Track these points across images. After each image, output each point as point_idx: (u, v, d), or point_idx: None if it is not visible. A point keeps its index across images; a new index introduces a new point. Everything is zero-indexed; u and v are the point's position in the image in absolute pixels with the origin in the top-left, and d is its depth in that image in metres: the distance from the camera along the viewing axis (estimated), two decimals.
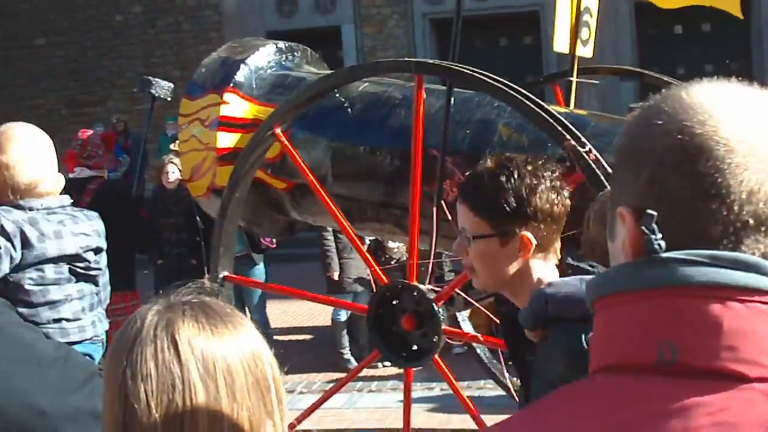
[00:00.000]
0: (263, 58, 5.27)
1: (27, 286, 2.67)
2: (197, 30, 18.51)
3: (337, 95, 4.86)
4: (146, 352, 1.28)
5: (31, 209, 2.71)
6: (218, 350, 1.30)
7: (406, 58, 4.20)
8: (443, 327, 4.02)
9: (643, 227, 0.96)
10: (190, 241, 8.08)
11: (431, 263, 4.22)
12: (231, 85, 5.11)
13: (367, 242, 7.92)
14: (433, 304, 3.99)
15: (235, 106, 5.10)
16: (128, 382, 1.27)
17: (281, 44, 5.46)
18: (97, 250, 2.93)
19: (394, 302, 4.07)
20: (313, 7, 17.97)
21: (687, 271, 0.93)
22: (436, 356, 4.13)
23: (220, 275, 4.59)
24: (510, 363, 2.55)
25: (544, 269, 2.35)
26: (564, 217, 2.34)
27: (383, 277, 4.27)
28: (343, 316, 8.68)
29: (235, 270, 7.75)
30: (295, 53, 5.45)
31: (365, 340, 8.56)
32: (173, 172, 7.94)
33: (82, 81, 18.83)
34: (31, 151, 2.73)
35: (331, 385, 7.26)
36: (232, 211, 4.50)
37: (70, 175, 6.98)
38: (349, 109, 4.83)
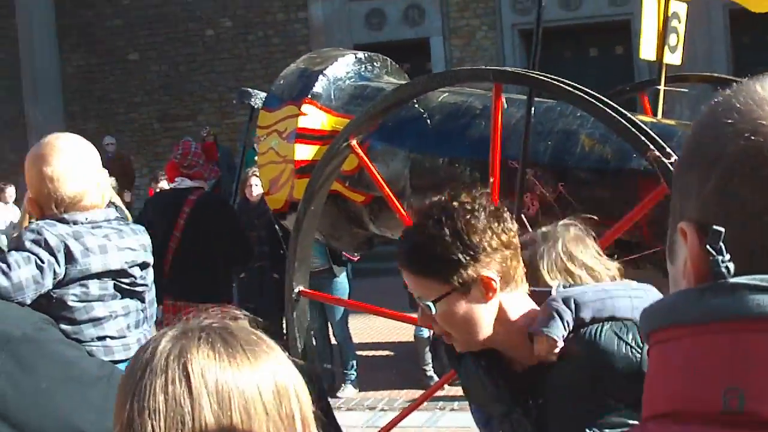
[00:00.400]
0: (342, 68, 5.20)
1: (70, 303, 2.60)
2: (286, 44, 18.64)
3: (416, 106, 4.76)
4: (156, 383, 1.16)
5: (75, 223, 2.64)
6: (236, 383, 1.17)
7: (485, 66, 4.07)
8: None
9: (709, 246, 0.81)
10: (273, 255, 8.06)
11: None
12: (309, 96, 5.05)
13: None
14: None
15: (313, 118, 5.04)
16: (135, 417, 1.15)
17: (360, 54, 5.38)
18: (143, 265, 2.85)
19: None
20: (401, 19, 17.95)
21: (759, 301, 0.77)
22: None
23: (296, 290, 4.52)
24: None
25: (518, 301, 2.15)
26: (514, 240, 2.11)
27: None
28: (426, 332, 8.54)
29: (317, 284, 7.76)
30: (375, 63, 5.37)
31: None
32: (256, 185, 7.94)
33: (174, 95, 19.12)
34: (77, 163, 2.66)
35: (413, 401, 7.14)
36: (307, 224, 4.42)
37: (171, 185, 7.04)
38: (428, 120, 4.72)
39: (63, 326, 2.47)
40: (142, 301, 2.86)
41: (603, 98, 3.63)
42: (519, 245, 2.16)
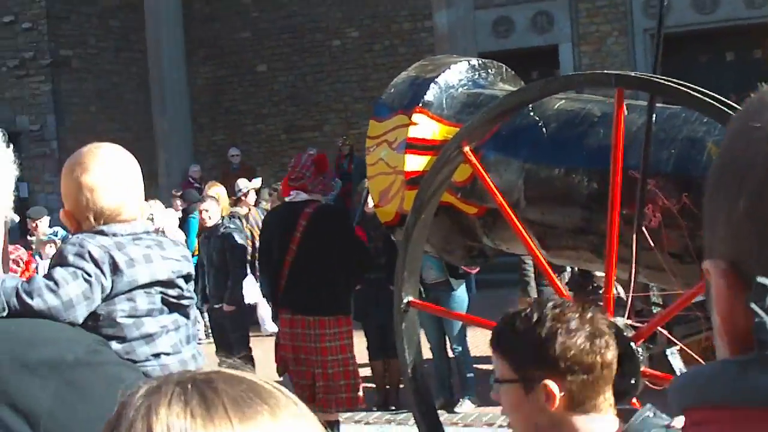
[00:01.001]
0: (454, 76, 4.99)
1: (119, 319, 2.47)
2: (412, 53, 18.53)
3: (531, 113, 4.52)
4: None
5: (115, 235, 2.50)
6: None
7: (606, 71, 3.81)
8: (643, 368, 3.59)
9: (753, 305, 0.61)
10: (390, 267, 7.92)
11: (630, 296, 3.81)
12: (420, 104, 4.86)
13: (569, 270, 7.49)
14: (632, 343, 3.57)
15: (424, 127, 4.85)
16: None
17: (474, 61, 5.17)
18: (187, 277, 2.70)
19: None
20: (529, 26, 17.69)
21: None
22: (634, 400, 3.70)
23: (405, 300, 4.35)
24: None
25: (590, 427, 2.07)
26: (605, 369, 2.06)
27: (563, 290, 3.92)
28: None
29: (434, 296, 7.59)
30: (489, 70, 5.14)
31: None
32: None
33: (300, 106, 19.27)
34: (118, 174, 2.53)
35: None
36: (417, 234, 4.25)
37: (286, 199, 6.97)
38: (544, 129, 4.48)
39: (115, 345, 2.36)
40: (187, 317, 2.72)
41: (731, 104, 3.34)
42: (608, 373, 2.10)
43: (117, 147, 2.60)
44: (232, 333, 8.98)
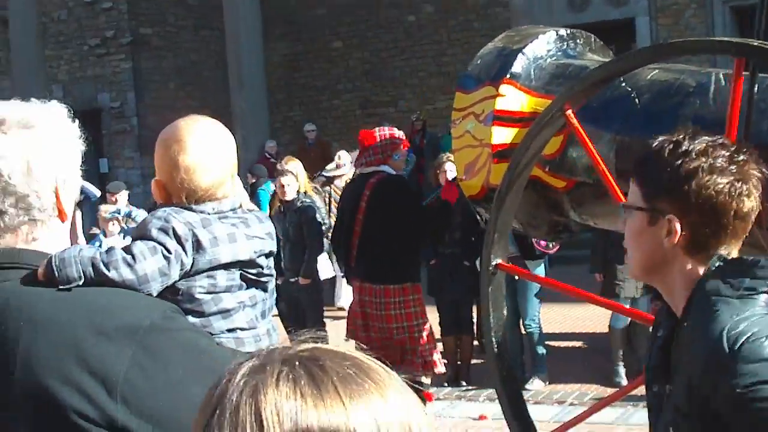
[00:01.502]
0: (542, 46, 4.90)
1: (198, 295, 2.44)
2: (487, 28, 18.37)
3: (623, 84, 4.41)
4: (224, 425, 0.93)
5: (203, 212, 2.47)
6: (322, 429, 0.92)
7: (722, 38, 3.60)
8: None
9: None
10: (465, 241, 7.88)
11: None
12: (508, 76, 4.78)
13: None
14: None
15: (512, 99, 4.77)
16: None
17: (562, 31, 5.06)
18: (269, 254, 2.67)
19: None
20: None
21: None
22: None
23: (493, 263, 4.28)
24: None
25: (699, 276, 2.00)
26: (737, 219, 1.95)
27: None
28: (621, 323, 8.13)
29: (509, 277, 7.49)
30: (578, 41, 5.03)
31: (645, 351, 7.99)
32: (450, 171, 7.75)
33: (375, 82, 19.24)
34: (215, 153, 2.47)
35: (603, 397, 6.78)
36: (510, 197, 4.16)
37: (358, 171, 7.13)
38: (637, 99, 4.36)
39: (192, 319, 2.33)
40: (266, 291, 2.69)
41: None
42: (740, 225, 1.99)
43: (214, 123, 2.55)
44: (306, 307, 9.03)
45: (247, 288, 2.61)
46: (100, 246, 9.30)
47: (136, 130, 17.83)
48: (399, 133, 7.01)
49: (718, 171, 1.94)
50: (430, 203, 7.64)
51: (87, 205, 10.36)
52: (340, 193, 10.77)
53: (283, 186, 8.96)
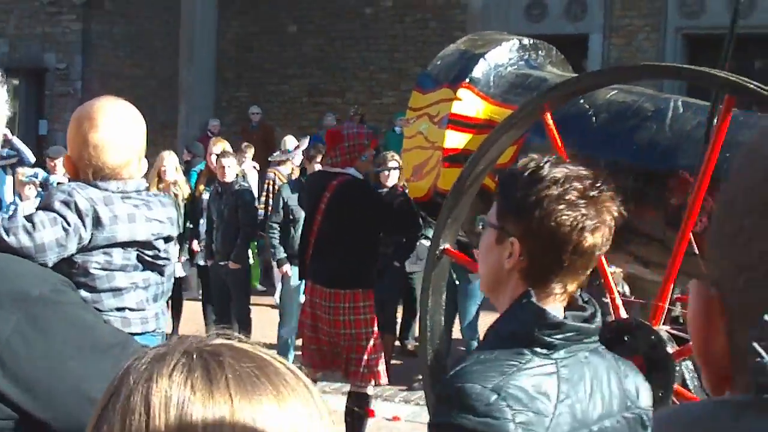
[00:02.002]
0: (504, 54, 4.87)
1: (92, 270, 2.51)
2: (443, 28, 18.40)
3: (582, 101, 4.40)
4: (117, 408, 0.95)
5: (106, 190, 2.52)
6: (205, 423, 0.92)
7: (709, 69, 3.48)
8: (676, 385, 3.47)
9: (755, 344, 0.55)
10: (397, 242, 7.85)
11: (665, 303, 3.69)
12: (467, 80, 4.74)
13: None
14: (670, 358, 3.45)
15: (469, 104, 4.73)
16: None
17: (525, 41, 5.04)
18: (168, 239, 2.73)
19: (625, 338, 3.57)
20: (562, 13, 17.51)
21: None
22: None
23: (441, 247, 4.21)
24: None
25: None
26: (578, 255, 1.91)
27: (622, 310, 3.77)
28: None
29: (452, 287, 7.46)
30: (540, 52, 5.02)
31: None
32: (393, 170, 7.69)
33: (325, 70, 19.12)
34: (125, 133, 2.55)
35: None
36: (471, 182, 4.09)
37: (323, 167, 6.89)
38: (594, 118, 4.36)
39: (83, 293, 2.40)
40: (162, 274, 2.73)
41: None
42: (581, 263, 1.95)
43: (126, 105, 2.60)
44: (233, 291, 8.95)
45: (143, 270, 2.62)
46: (15, 210, 9.10)
47: (79, 93, 17.47)
48: (367, 132, 6.85)
49: (565, 203, 1.90)
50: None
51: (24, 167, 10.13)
52: (284, 180, 10.67)
53: (223, 167, 8.85)
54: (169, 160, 9.44)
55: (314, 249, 6.52)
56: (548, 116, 3.87)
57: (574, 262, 1.92)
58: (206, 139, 14.81)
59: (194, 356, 0.96)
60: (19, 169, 9.86)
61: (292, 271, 8.54)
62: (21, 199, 9.40)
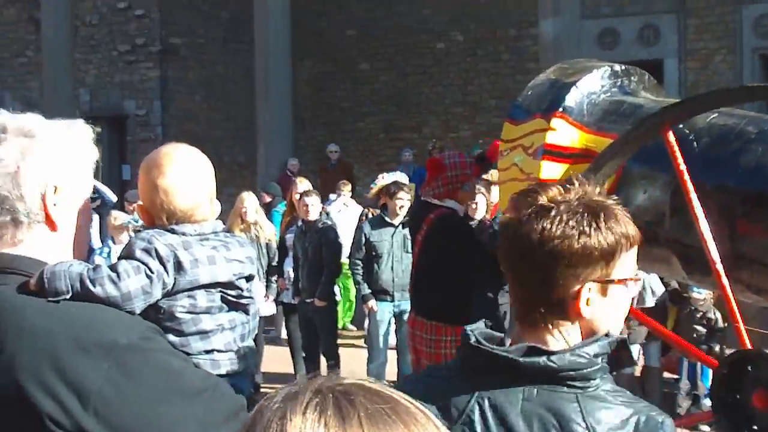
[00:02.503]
0: (596, 81, 4.79)
1: (178, 314, 2.51)
2: (515, 60, 18.37)
3: (681, 126, 4.30)
4: None
5: (184, 234, 2.55)
6: None
7: None
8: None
9: None
10: (490, 273, 7.77)
11: None
12: (560, 109, 4.67)
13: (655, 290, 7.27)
14: None
15: (563, 134, 4.66)
16: None
17: (617, 67, 4.95)
18: (249, 278, 2.74)
19: (748, 368, 3.45)
20: (636, 39, 17.39)
21: None
22: None
23: None
24: None
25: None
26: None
27: (747, 339, 3.64)
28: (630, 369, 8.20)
29: None
30: (632, 77, 4.92)
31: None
32: (481, 203, 7.62)
33: (400, 106, 19.20)
34: (192, 176, 2.58)
35: None
36: None
37: (423, 198, 6.67)
38: (695, 143, 4.25)
39: (171, 338, 2.41)
40: (247, 313, 2.74)
41: None
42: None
43: (192, 149, 2.68)
44: (321, 329, 8.95)
45: (228, 311, 2.68)
46: (109, 253, 9.24)
47: (160, 138, 17.81)
48: (470, 161, 6.62)
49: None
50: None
51: (105, 210, 10.31)
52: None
53: (307, 206, 8.90)
54: (250, 201, 9.53)
55: (415, 282, 6.47)
56: (670, 135, 3.80)
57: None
58: (285, 178, 14.95)
59: (326, 395, 0.99)
60: (113, 212, 10.01)
61: (378, 306, 8.52)
62: (114, 243, 9.54)
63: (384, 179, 9.19)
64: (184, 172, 2.54)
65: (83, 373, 1.78)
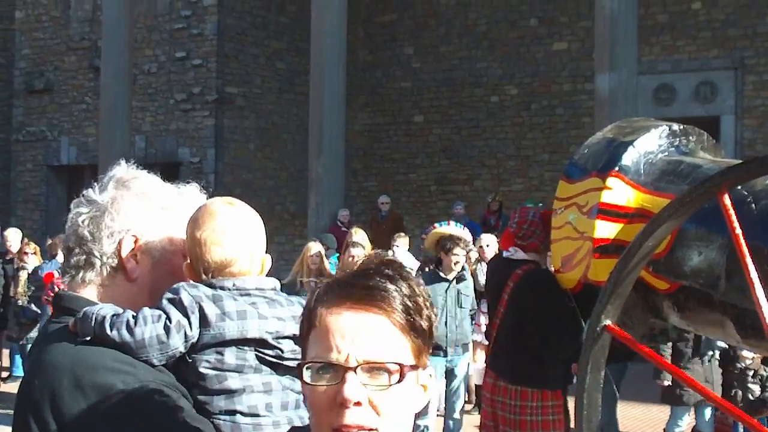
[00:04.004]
0: (654, 140, 4.71)
1: (202, 369, 2.40)
2: (570, 114, 18.33)
3: (738, 187, 4.21)
4: None
5: (222, 288, 2.45)
6: None
7: None
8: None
9: None
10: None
11: None
12: (616, 168, 4.59)
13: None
14: None
15: (619, 193, 4.58)
16: None
17: (675, 126, 4.88)
18: (293, 338, 2.58)
19: None
20: (692, 95, 17.28)
21: None
22: None
23: (602, 323, 4.00)
24: None
25: None
26: None
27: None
28: (677, 430, 7.96)
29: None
30: (690, 137, 4.84)
31: None
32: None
33: (453, 159, 19.21)
34: (227, 229, 2.48)
35: None
36: (637, 259, 3.89)
37: (505, 254, 6.28)
38: (753, 204, 4.16)
39: (198, 395, 2.36)
40: (293, 379, 2.59)
41: None
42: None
43: (235, 202, 2.60)
44: None
45: (271, 373, 2.52)
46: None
47: (212, 186, 17.97)
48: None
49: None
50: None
51: None
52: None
53: (353, 257, 8.89)
54: (315, 250, 9.67)
55: (496, 342, 6.03)
56: (725, 197, 3.70)
57: None
58: (336, 229, 14.96)
59: None
60: None
61: (431, 361, 8.38)
62: None
63: (438, 228, 9.09)
64: (220, 224, 2.48)
65: (75, 413, 1.88)
